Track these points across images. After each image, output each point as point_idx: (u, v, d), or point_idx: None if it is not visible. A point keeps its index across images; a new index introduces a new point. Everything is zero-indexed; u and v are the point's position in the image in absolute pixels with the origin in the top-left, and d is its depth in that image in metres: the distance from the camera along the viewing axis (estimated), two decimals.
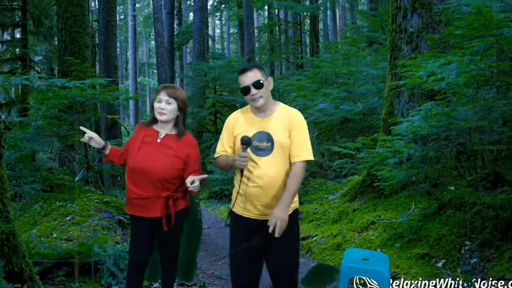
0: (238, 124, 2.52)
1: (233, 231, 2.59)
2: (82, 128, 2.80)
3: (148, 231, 2.72)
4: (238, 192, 2.49)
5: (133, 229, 2.80)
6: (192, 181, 2.49)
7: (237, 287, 2.56)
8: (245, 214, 2.50)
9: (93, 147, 2.81)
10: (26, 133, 5.78)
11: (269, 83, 2.48)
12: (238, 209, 2.53)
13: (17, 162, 5.39)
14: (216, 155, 2.56)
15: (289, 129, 2.44)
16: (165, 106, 2.64)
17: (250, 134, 2.42)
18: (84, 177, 7.25)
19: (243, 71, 2.45)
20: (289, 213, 2.38)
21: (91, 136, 2.71)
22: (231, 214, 2.59)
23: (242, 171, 2.44)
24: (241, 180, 2.47)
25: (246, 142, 2.32)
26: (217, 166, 2.62)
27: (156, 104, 2.67)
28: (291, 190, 2.36)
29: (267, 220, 2.34)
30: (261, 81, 2.41)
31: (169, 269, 2.87)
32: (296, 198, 2.51)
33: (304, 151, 2.43)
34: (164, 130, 2.71)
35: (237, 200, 2.53)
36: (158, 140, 2.68)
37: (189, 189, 2.52)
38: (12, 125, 6.01)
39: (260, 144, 2.42)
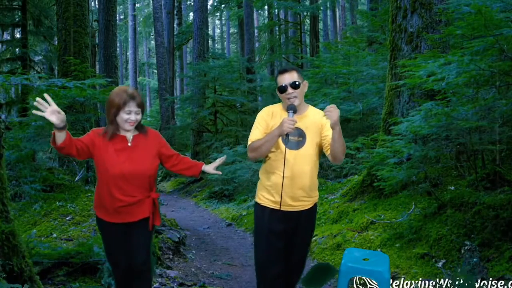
0: (274, 117, 2.67)
1: (258, 223, 2.73)
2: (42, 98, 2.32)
3: (124, 235, 2.69)
4: (264, 183, 2.67)
5: (109, 235, 2.71)
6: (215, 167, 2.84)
7: (264, 277, 2.69)
8: (270, 205, 2.65)
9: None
10: (26, 133, 5.77)
11: (304, 86, 2.66)
12: (263, 200, 2.68)
13: (17, 162, 5.38)
14: (250, 141, 2.65)
15: (320, 127, 2.66)
16: (135, 117, 2.63)
17: None
18: (84, 177, 7.26)
19: (282, 71, 2.66)
20: (310, 206, 2.69)
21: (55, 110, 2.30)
22: (256, 205, 2.74)
23: (270, 163, 2.63)
24: (270, 170, 2.64)
25: (293, 107, 2.55)
26: (252, 149, 2.62)
27: (125, 116, 2.60)
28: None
29: (290, 211, 2.64)
30: (298, 82, 2.60)
31: (145, 275, 2.73)
32: (317, 193, 2.77)
33: None
34: (129, 133, 2.71)
35: (262, 192, 2.69)
36: (129, 144, 2.67)
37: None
38: (12, 125, 6.00)
39: (293, 138, 2.61)
